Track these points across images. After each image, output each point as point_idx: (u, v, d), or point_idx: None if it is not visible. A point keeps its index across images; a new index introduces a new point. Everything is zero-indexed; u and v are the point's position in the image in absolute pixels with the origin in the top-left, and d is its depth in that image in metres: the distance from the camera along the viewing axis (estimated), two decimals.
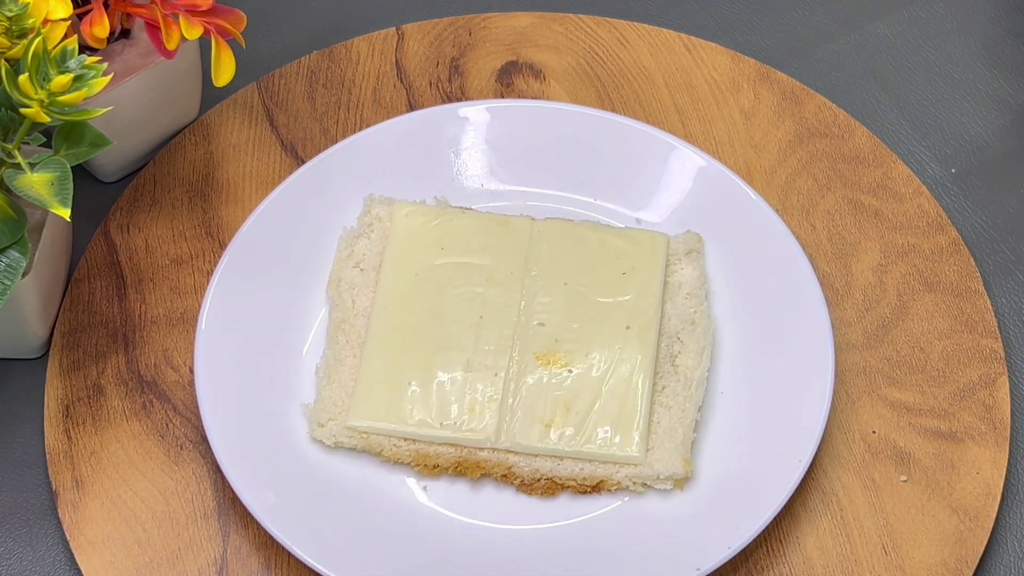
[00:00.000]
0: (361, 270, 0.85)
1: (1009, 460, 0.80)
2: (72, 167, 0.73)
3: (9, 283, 0.73)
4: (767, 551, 0.77)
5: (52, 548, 0.78)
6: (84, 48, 0.77)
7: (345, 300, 0.83)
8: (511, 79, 0.95)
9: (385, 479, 0.78)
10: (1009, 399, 0.82)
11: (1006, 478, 0.80)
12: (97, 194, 0.91)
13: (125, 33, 0.85)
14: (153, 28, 0.80)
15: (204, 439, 0.78)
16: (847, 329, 0.85)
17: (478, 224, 0.85)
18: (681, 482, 0.77)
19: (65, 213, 0.71)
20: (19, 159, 0.73)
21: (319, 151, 0.89)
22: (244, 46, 0.83)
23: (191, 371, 0.81)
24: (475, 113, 0.91)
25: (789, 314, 0.82)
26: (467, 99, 0.94)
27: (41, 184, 0.72)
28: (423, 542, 0.76)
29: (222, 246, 0.87)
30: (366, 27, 0.99)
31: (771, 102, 0.94)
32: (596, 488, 0.78)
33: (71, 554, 0.77)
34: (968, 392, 0.82)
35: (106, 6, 0.81)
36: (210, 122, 0.93)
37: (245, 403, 0.79)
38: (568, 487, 0.78)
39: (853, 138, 0.92)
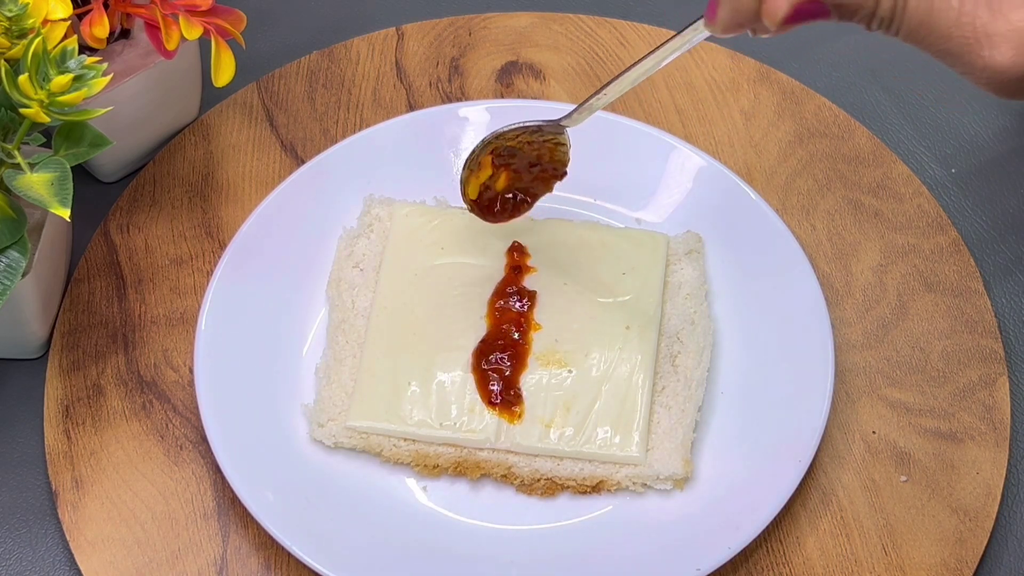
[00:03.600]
0: (361, 270, 0.85)
1: (1009, 460, 0.80)
2: (72, 167, 0.73)
3: (9, 283, 0.73)
4: (767, 551, 0.77)
5: (52, 548, 0.78)
6: (84, 48, 0.77)
7: (345, 300, 0.83)
8: (511, 79, 0.95)
9: (385, 479, 0.78)
10: (1009, 399, 0.82)
11: (1006, 478, 0.79)
12: (97, 194, 0.91)
13: (125, 33, 0.85)
14: (153, 28, 0.80)
15: (204, 439, 0.78)
16: (847, 329, 0.85)
17: (478, 224, 0.85)
18: (681, 482, 0.77)
19: (65, 213, 0.71)
20: (19, 159, 0.73)
21: (319, 151, 0.89)
22: (244, 46, 0.83)
23: (191, 371, 0.81)
24: (475, 113, 0.91)
25: (789, 314, 0.82)
26: (467, 99, 0.94)
27: (41, 184, 0.72)
28: (423, 542, 0.76)
29: (222, 246, 0.87)
30: (366, 27, 0.99)
31: (771, 102, 0.94)
32: (596, 488, 0.78)
33: (71, 554, 0.77)
34: (968, 392, 0.82)
35: (106, 6, 0.81)
36: (210, 122, 0.93)
37: (245, 403, 0.79)
38: (568, 487, 0.78)
39: (853, 138, 0.92)
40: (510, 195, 0.81)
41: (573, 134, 0.89)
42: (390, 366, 0.80)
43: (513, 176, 0.80)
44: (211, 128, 0.92)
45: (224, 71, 0.81)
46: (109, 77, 0.72)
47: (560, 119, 0.77)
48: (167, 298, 0.85)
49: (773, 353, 0.81)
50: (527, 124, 0.78)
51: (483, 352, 0.80)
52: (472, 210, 0.80)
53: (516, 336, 0.81)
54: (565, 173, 0.80)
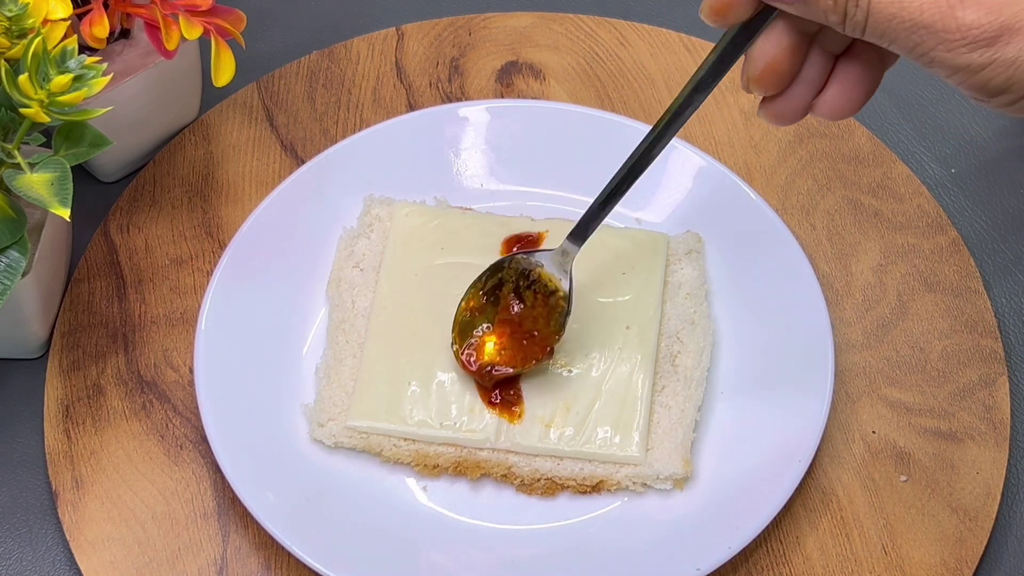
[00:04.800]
0: (361, 270, 0.85)
1: (1009, 460, 0.80)
2: (72, 167, 0.73)
3: (9, 283, 0.73)
4: (767, 551, 0.77)
5: (52, 548, 0.78)
6: (84, 48, 0.77)
7: (345, 300, 0.83)
8: (511, 79, 0.95)
9: (385, 479, 0.78)
10: (1009, 399, 0.82)
11: (1006, 478, 0.80)
12: (97, 194, 0.91)
13: (125, 33, 0.85)
14: (153, 28, 0.80)
15: (204, 439, 0.78)
16: (847, 329, 0.85)
17: (478, 224, 0.85)
18: (681, 482, 0.77)
19: (65, 213, 0.71)
20: (19, 159, 0.73)
21: (319, 151, 0.89)
22: (244, 46, 0.83)
23: (191, 371, 0.81)
24: (475, 113, 0.91)
25: (789, 314, 0.82)
26: (467, 99, 0.94)
27: (41, 184, 0.72)
28: (423, 542, 0.76)
29: (222, 246, 0.87)
30: (366, 27, 0.99)
31: None
32: (596, 488, 0.78)
33: (71, 554, 0.77)
34: (968, 392, 0.82)
35: (106, 6, 0.81)
36: (210, 122, 0.93)
37: (245, 403, 0.79)
38: (568, 487, 0.78)
39: (853, 138, 0.93)
40: (490, 368, 0.79)
41: (575, 139, 0.89)
42: (390, 366, 0.80)
43: (501, 346, 0.79)
44: (211, 128, 0.93)
45: (224, 71, 0.81)
46: (109, 77, 0.72)
47: (568, 239, 0.77)
48: (167, 298, 0.86)
49: (773, 353, 0.82)
50: (532, 254, 0.79)
51: None
52: (454, 353, 0.79)
53: None
54: (552, 351, 0.78)
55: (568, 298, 0.78)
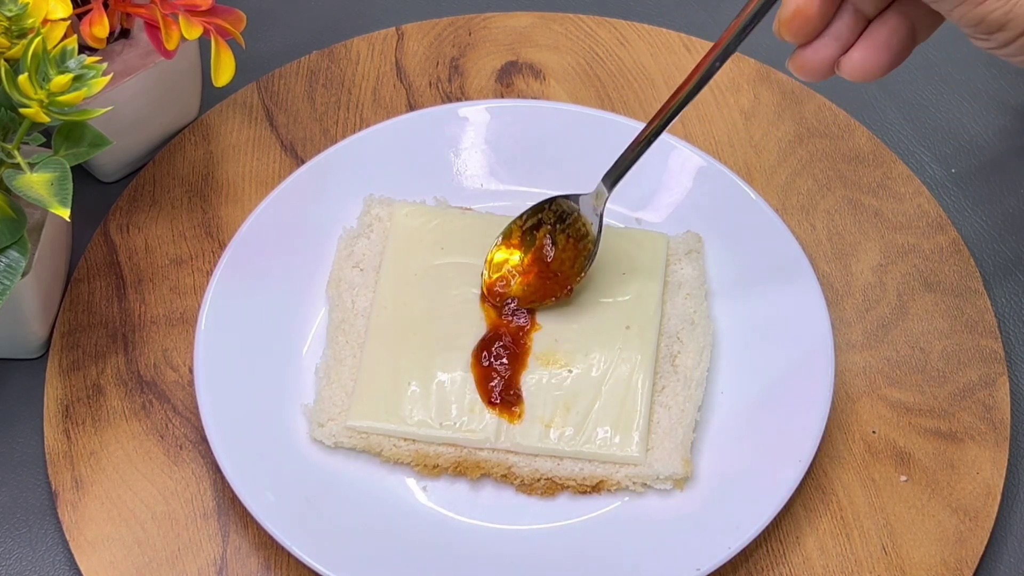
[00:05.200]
0: (361, 270, 0.85)
1: (1009, 460, 0.80)
2: (72, 167, 0.73)
3: (9, 283, 0.73)
4: (767, 551, 0.77)
5: (52, 548, 0.78)
6: (84, 48, 0.77)
7: (345, 300, 0.83)
8: (511, 79, 0.95)
9: (385, 479, 0.78)
10: (1009, 399, 0.82)
11: (1006, 478, 0.80)
12: (97, 194, 0.91)
13: (125, 33, 0.85)
14: (153, 28, 0.80)
15: (204, 439, 0.78)
16: (847, 329, 0.85)
17: (478, 224, 0.85)
18: (681, 482, 0.77)
19: (64, 213, 0.71)
20: (19, 159, 0.73)
21: (319, 151, 0.89)
22: (244, 46, 0.83)
23: (191, 371, 0.81)
24: (475, 113, 0.91)
25: (789, 314, 0.82)
26: (467, 99, 0.94)
27: (41, 184, 0.72)
28: (423, 542, 0.76)
29: (222, 246, 0.87)
30: (366, 27, 0.99)
31: (771, 102, 0.94)
32: (596, 488, 0.78)
33: (71, 554, 0.77)
34: (968, 392, 0.82)
35: (106, 6, 0.81)
36: (210, 122, 0.93)
37: (245, 403, 0.79)
38: (568, 487, 0.78)
39: (853, 138, 0.92)
40: (512, 301, 0.82)
41: (575, 139, 0.89)
42: (390, 366, 0.80)
43: (525, 283, 0.82)
44: (211, 128, 0.93)
45: (224, 71, 0.81)
46: (109, 77, 0.72)
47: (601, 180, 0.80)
48: (167, 298, 0.85)
49: (773, 353, 0.81)
50: (571, 197, 0.82)
51: (483, 352, 0.80)
52: (482, 288, 0.82)
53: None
54: (571, 291, 0.81)
55: (595, 242, 0.80)
